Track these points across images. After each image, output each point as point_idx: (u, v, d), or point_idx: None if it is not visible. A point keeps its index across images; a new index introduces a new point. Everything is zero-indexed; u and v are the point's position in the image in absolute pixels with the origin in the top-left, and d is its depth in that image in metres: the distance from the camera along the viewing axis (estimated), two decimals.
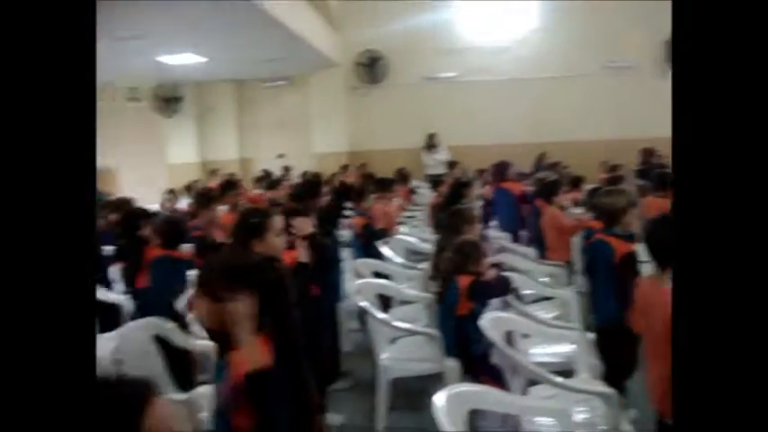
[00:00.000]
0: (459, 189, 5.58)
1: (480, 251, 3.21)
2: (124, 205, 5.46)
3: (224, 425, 1.67)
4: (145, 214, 3.93)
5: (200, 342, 2.85)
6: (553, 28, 11.12)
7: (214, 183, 8.32)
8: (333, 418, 3.40)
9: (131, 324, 2.96)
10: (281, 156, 11.90)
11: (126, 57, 8.50)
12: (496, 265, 3.32)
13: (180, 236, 3.50)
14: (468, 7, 11.15)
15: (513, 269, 4.15)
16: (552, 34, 11.12)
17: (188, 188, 8.53)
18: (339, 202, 5.23)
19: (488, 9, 11.08)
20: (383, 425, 3.37)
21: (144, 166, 12.16)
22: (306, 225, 3.27)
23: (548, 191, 5.15)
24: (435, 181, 7.74)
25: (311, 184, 4.68)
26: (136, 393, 0.82)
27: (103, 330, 3.45)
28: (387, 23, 11.17)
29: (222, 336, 1.69)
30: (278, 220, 2.71)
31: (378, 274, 4.39)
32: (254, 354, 1.66)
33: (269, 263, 1.94)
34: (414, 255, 5.33)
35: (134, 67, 9.55)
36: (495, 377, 2.96)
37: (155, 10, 6.31)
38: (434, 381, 3.74)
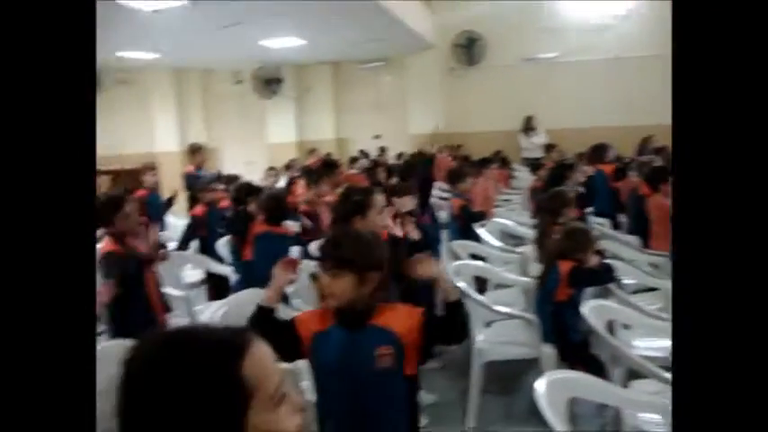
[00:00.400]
0: (561, 171, 5.41)
1: (590, 238, 3.12)
2: (232, 181, 5.76)
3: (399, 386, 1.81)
4: (252, 190, 4.10)
5: None
6: (657, 2, 10.45)
7: (312, 161, 8.54)
8: (425, 397, 3.44)
9: (238, 294, 3.10)
10: (376, 136, 12.03)
11: (230, 42, 8.86)
12: (599, 252, 3.21)
13: (283, 212, 3.62)
14: None
15: (614, 256, 4.00)
16: (657, 9, 10.45)
17: (287, 167, 8.80)
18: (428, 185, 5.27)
19: None
20: (475, 407, 3.37)
21: (245, 146, 12.70)
22: (409, 203, 3.31)
23: (655, 178, 4.90)
24: (533, 164, 7.56)
25: (413, 164, 4.71)
26: (236, 336, 0.83)
27: (213, 299, 3.65)
28: (486, 3, 10.94)
29: (353, 311, 1.80)
30: (380, 198, 2.75)
31: (474, 256, 4.36)
32: (402, 311, 1.84)
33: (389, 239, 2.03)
34: (510, 238, 5.26)
35: (237, 51, 9.97)
36: (591, 366, 2.88)
37: None
38: (528, 366, 3.71)
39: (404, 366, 1.81)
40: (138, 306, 3.04)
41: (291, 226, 3.83)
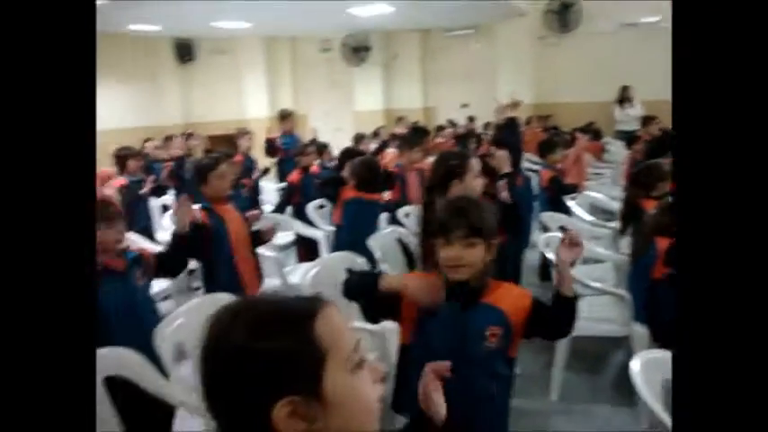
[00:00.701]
0: (662, 143, 5.13)
1: None
2: (322, 148, 5.88)
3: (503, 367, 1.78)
4: (356, 155, 4.15)
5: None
6: None
7: (400, 129, 8.54)
8: None
9: (327, 256, 3.17)
10: (464, 105, 11.85)
11: (319, 10, 8.92)
12: None
13: (373, 180, 3.64)
14: None
15: None
16: None
17: (375, 134, 8.86)
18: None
19: None
20: (558, 382, 3.33)
21: (332, 113, 12.87)
22: (506, 162, 3.27)
23: None
24: (628, 137, 7.22)
25: (503, 127, 4.60)
26: (308, 301, 0.85)
27: (303, 261, 3.75)
28: None
29: (468, 287, 1.73)
30: (476, 162, 2.71)
31: (563, 229, 4.26)
32: (514, 291, 1.81)
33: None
34: (601, 213, 5.08)
35: (326, 19, 10.03)
36: None
37: None
38: (614, 345, 3.61)
39: (509, 348, 1.76)
40: (227, 266, 3.18)
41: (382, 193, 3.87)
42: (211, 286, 3.17)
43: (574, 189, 4.91)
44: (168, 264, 2.78)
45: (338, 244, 3.67)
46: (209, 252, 3.13)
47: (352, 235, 3.53)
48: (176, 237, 2.82)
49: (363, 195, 3.60)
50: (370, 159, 4.01)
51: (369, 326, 2.54)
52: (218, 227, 3.14)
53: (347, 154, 4.49)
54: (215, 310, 0.86)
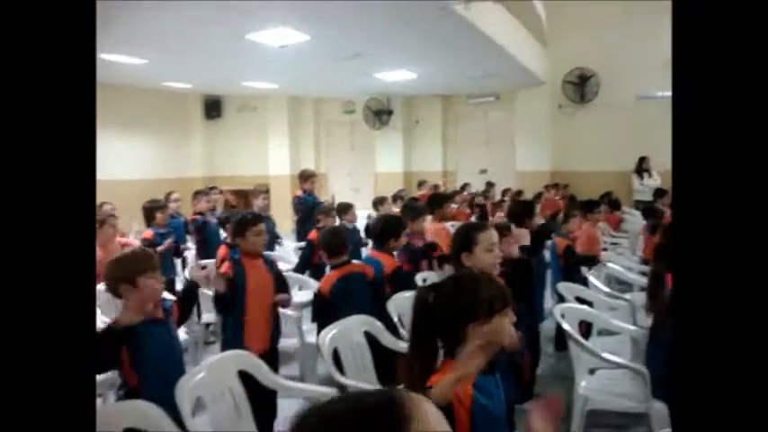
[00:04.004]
0: None
1: None
2: (343, 210, 5.99)
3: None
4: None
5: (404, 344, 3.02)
6: None
7: (422, 194, 8.64)
8: None
9: (346, 320, 3.19)
10: (483, 171, 12.01)
11: (346, 74, 9.26)
12: None
13: (340, 248, 3.64)
14: None
15: None
16: None
17: (395, 197, 8.96)
18: (548, 226, 5.19)
19: None
20: None
21: (354, 174, 13.09)
22: (523, 238, 3.33)
23: None
24: (645, 208, 7.27)
25: (527, 204, 4.69)
26: (393, 405, 0.78)
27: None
28: (598, 40, 10.71)
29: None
30: (489, 235, 2.77)
31: (579, 300, 4.26)
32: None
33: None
34: (618, 284, 5.08)
35: (350, 83, 10.37)
36: None
37: (375, 33, 6.81)
38: (634, 420, 3.55)
39: None
40: (238, 321, 3.26)
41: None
42: (225, 340, 3.29)
43: (589, 260, 4.90)
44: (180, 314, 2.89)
45: None
46: (227, 306, 3.23)
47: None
48: (189, 287, 2.98)
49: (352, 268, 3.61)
50: (335, 228, 4.04)
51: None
52: (240, 281, 3.24)
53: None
54: (294, 419, 0.79)
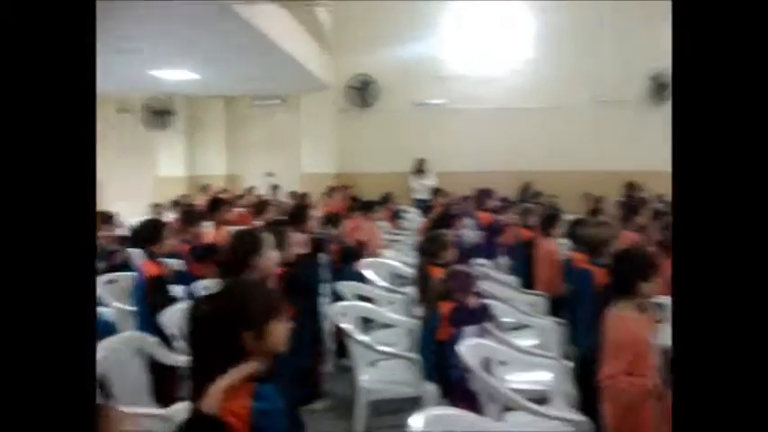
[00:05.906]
0: (446, 217, 5.67)
1: (470, 280, 3.27)
2: (106, 220, 5.41)
3: None
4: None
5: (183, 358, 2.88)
6: (543, 60, 11.35)
7: (202, 200, 8.31)
8: None
9: (114, 338, 2.97)
10: (269, 174, 11.93)
11: (118, 68, 8.53)
12: (476, 293, 3.38)
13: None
14: (460, 36, 11.40)
15: (494, 297, 4.21)
16: (542, 66, 11.36)
17: (175, 203, 8.52)
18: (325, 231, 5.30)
19: (481, 39, 11.34)
20: None
21: (130, 179, 12.08)
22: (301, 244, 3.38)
23: (547, 223, 5.18)
24: (423, 206, 7.82)
25: (300, 208, 4.74)
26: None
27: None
28: (380, 49, 11.34)
29: None
30: (267, 240, 2.79)
31: (360, 297, 4.43)
32: None
33: None
34: (398, 278, 5.38)
35: (125, 79, 9.59)
36: (471, 403, 3.00)
37: (152, 26, 6.40)
38: (413, 404, 3.79)
39: None
40: None
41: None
42: None
43: (359, 253, 5.11)
44: None
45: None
46: None
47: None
48: None
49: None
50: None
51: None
52: None
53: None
54: None
